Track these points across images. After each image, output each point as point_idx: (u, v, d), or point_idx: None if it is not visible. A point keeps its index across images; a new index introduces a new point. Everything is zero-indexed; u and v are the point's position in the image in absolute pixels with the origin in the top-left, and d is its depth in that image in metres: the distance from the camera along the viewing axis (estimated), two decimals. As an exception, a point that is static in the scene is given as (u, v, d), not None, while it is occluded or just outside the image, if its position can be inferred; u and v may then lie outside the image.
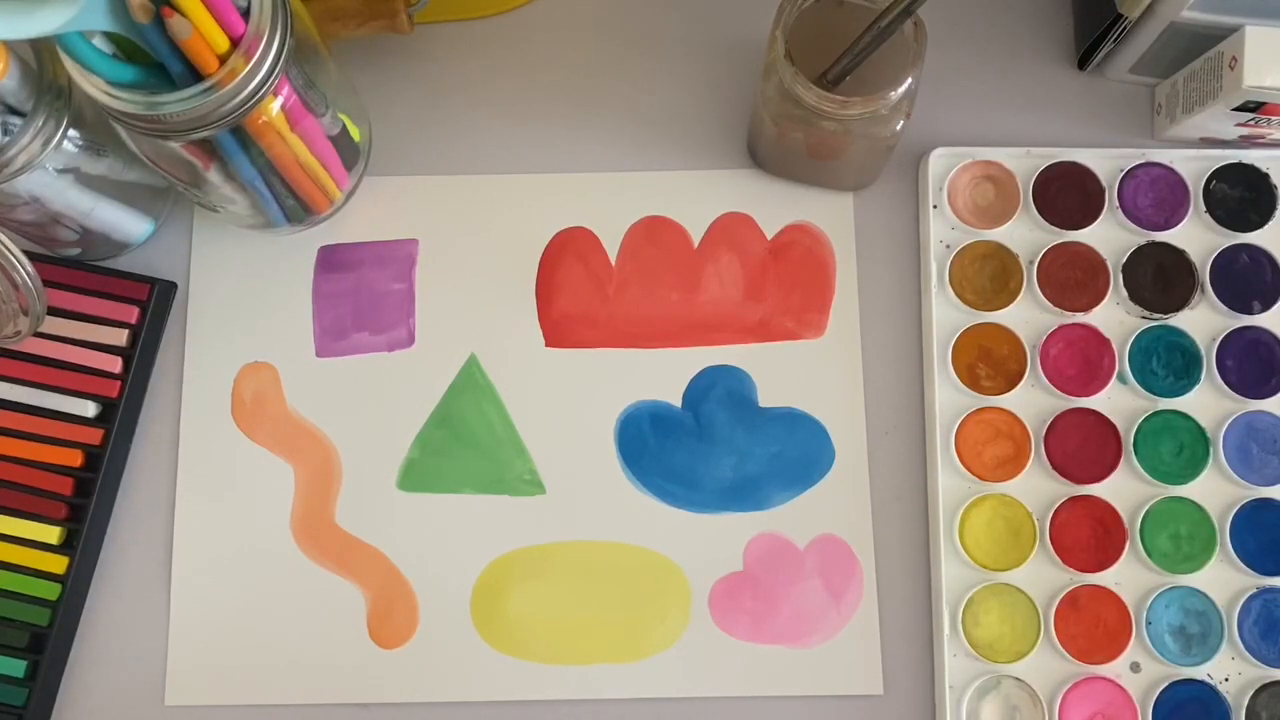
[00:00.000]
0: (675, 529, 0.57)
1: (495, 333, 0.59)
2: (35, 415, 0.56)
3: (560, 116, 0.61)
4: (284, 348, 0.59)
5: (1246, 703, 0.53)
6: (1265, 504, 0.55)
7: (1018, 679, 0.54)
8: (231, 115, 0.45)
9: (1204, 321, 0.57)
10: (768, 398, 0.58)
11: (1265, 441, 0.56)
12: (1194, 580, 0.55)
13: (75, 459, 0.56)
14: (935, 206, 0.58)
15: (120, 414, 0.56)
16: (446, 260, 0.59)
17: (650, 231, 0.60)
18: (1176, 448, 0.56)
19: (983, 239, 0.58)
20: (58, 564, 0.55)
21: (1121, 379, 0.57)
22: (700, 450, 0.57)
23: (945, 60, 0.57)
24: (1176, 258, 0.57)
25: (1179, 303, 0.57)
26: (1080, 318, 0.57)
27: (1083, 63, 0.60)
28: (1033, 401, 0.56)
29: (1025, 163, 0.58)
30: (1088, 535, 0.55)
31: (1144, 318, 0.57)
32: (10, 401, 0.56)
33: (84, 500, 0.55)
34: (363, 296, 0.59)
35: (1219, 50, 0.53)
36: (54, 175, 0.52)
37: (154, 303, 0.57)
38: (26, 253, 0.48)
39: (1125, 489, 0.55)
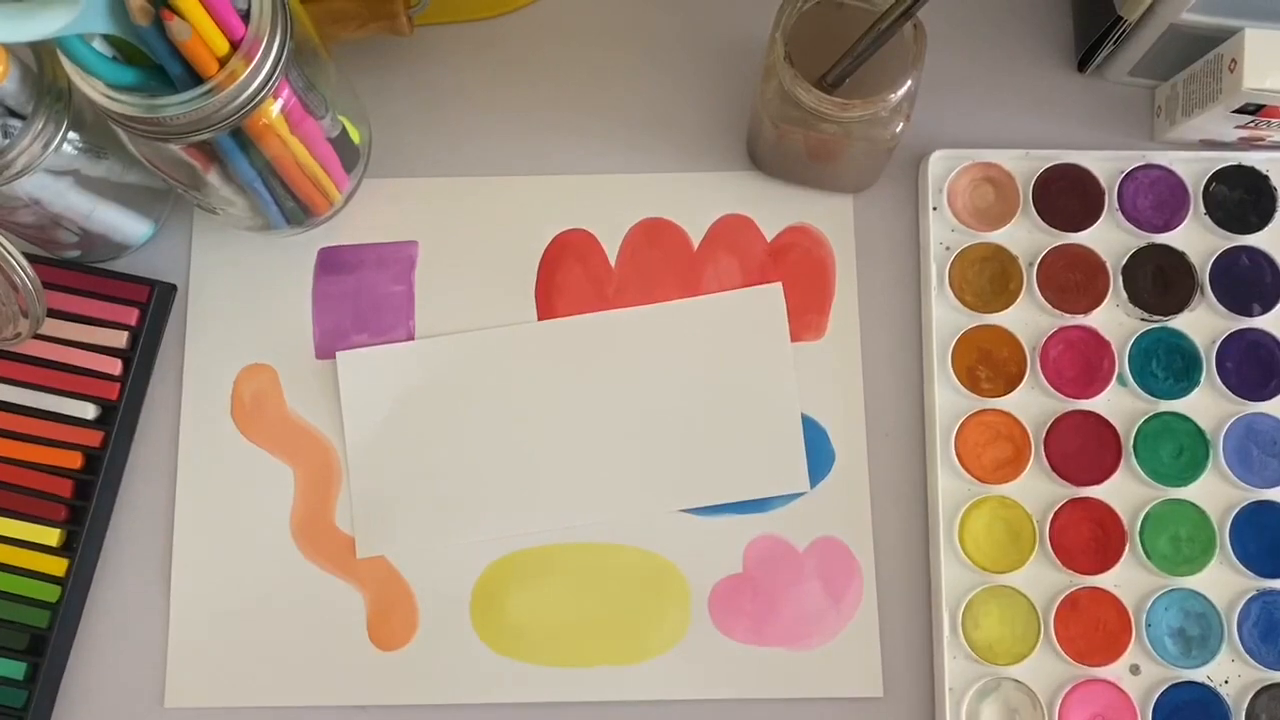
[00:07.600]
0: (675, 531, 0.56)
1: (495, 335, 0.59)
2: (35, 417, 0.56)
3: (560, 118, 0.61)
4: (284, 349, 0.58)
5: (1246, 705, 0.53)
6: (1265, 506, 0.55)
7: (1017, 681, 0.54)
8: (231, 118, 0.45)
9: (1204, 323, 0.57)
10: (767, 400, 0.58)
11: (1265, 444, 0.56)
12: (1194, 582, 0.55)
13: (75, 461, 0.56)
14: (935, 208, 0.58)
15: (120, 416, 0.56)
16: (446, 262, 0.59)
17: (650, 233, 0.60)
18: (1176, 450, 0.56)
19: (982, 241, 0.58)
20: (57, 566, 0.55)
21: (1121, 381, 0.57)
22: (700, 452, 0.57)
23: (945, 62, 0.57)
24: (1176, 260, 0.57)
25: (1179, 305, 0.57)
26: (1080, 320, 0.57)
27: (1082, 65, 0.60)
28: (1032, 403, 0.56)
29: (1025, 165, 0.58)
30: (1087, 537, 0.55)
31: (1144, 320, 0.57)
32: (10, 404, 0.56)
33: (83, 502, 0.55)
34: (362, 298, 0.59)
35: (1219, 52, 0.53)
36: (54, 178, 0.52)
37: (154, 305, 0.57)
38: (26, 255, 0.48)
39: (1125, 491, 0.55)
